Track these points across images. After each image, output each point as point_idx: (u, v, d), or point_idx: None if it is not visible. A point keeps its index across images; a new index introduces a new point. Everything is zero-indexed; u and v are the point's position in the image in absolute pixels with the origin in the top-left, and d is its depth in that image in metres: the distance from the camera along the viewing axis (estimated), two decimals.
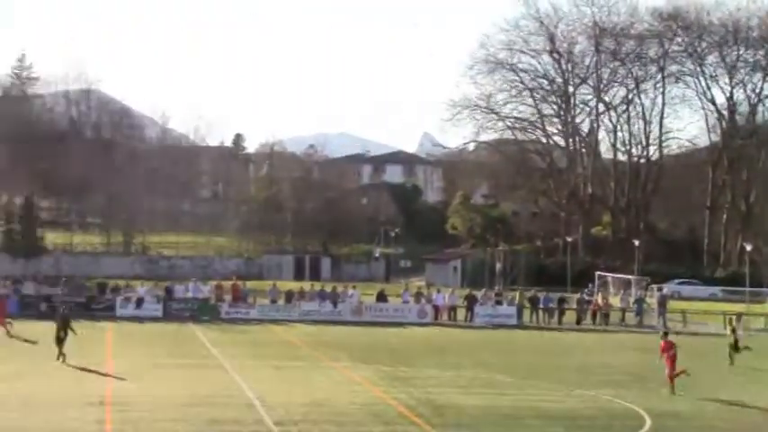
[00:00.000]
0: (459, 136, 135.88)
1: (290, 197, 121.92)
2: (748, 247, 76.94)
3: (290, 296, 58.97)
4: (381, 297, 60.05)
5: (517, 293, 63.20)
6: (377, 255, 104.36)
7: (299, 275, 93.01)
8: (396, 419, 25.99)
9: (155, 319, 53.57)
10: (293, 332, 49.78)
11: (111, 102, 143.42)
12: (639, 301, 63.53)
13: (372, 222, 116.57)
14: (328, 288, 60.98)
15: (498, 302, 60.09)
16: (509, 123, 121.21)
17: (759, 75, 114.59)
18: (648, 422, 26.59)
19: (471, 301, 59.01)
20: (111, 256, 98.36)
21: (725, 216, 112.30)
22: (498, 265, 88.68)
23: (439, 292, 61.81)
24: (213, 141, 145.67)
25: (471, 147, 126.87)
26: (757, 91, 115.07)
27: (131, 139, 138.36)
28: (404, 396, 29.53)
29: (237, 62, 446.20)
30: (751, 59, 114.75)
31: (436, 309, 58.79)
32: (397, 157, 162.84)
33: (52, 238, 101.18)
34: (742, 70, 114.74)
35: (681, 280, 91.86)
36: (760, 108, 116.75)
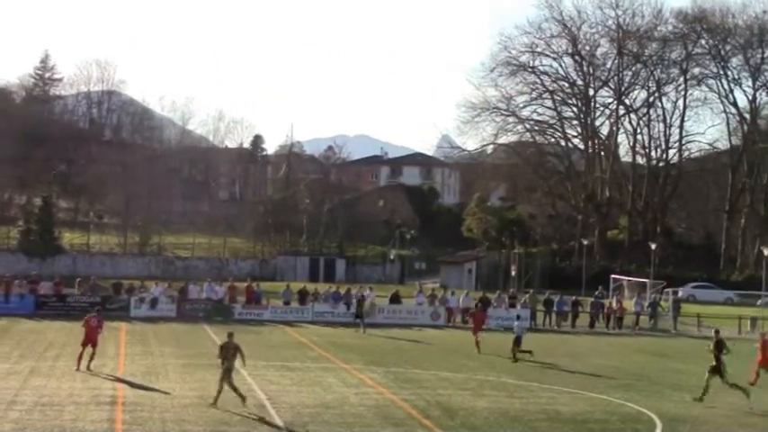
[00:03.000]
0: (477, 138, 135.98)
1: (307, 199, 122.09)
2: (766, 252, 76.48)
3: (303, 297, 59.06)
4: (395, 299, 60.03)
5: (527, 296, 63.08)
6: (392, 256, 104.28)
7: (313, 277, 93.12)
8: (406, 421, 26.04)
9: (168, 320, 53.74)
10: (306, 333, 49.84)
11: (131, 103, 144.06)
12: (654, 304, 63.45)
13: (388, 224, 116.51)
14: (342, 290, 60.98)
15: (512, 305, 60.01)
16: (528, 126, 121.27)
17: None
18: (659, 426, 26.54)
19: (485, 304, 58.92)
20: (127, 256, 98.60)
21: (743, 220, 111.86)
22: (513, 268, 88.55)
23: (453, 294, 61.76)
24: (233, 143, 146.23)
25: (490, 149, 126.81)
26: None
27: (150, 141, 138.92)
28: (414, 398, 29.56)
29: (259, 65, 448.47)
30: None
31: (449, 311, 58.78)
32: (415, 160, 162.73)
33: (69, 238, 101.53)
34: (766, 73, 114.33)
35: (696, 284, 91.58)
36: None
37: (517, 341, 40.65)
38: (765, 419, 28.86)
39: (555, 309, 60.25)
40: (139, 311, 55.39)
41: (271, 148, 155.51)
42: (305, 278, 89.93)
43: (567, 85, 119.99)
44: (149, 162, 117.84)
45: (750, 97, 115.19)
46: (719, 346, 31.44)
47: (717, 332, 32.85)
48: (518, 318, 45.94)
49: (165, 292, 58.15)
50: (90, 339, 33.08)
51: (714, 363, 31.09)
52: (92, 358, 33.05)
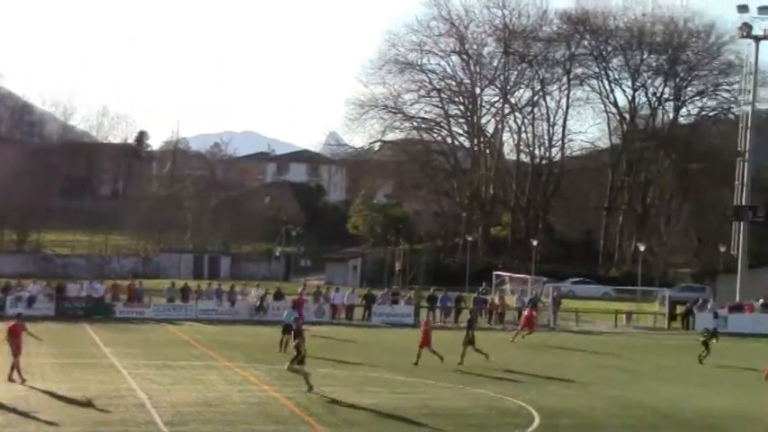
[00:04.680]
0: (364, 135, 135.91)
1: (192, 195, 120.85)
2: (642, 248, 78.64)
3: (186, 295, 58.44)
4: (279, 295, 59.83)
5: (413, 293, 63.56)
6: (277, 253, 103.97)
7: (197, 274, 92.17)
8: (288, 419, 25.96)
9: (47, 318, 52.56)
10: (189, 331, 49.37)
11: (10, 97, 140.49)
12: (534, 300, 64.44)
13: (274, 221, 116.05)
14: (226, 287, 60.54)
15: (395, 302, 60.34)
16: (415, 123, 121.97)
17: (660, 79, 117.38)
18: (537, 420, 26.93)
19: (369, 301, 59.21)
20: (3, 254, 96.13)
21: (621, 217, 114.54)
22: (398, 265, 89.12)
23: (338, 290, 61.87)
24: (116, 139, 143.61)
25: (376, 147, 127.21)
26: (658, 95, 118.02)
27: (30, 136, 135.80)
28: (297, 395, 29.48)
29: (145, 60, 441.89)
30: (654, 64, 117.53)
31: (334, 308, 58.87)
32: (302, 156, 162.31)
33: None
34: (644, 74, 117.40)
35: (576, 279, 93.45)
36: (660, 111, 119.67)
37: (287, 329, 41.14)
38: (646, 411, 29.55)
39: (439, 305, 60.79)
40: (16, 310, 54.03)
41: (156, 144, 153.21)
42: (189, 276, 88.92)
43: (453, 83, 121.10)
44: (28, 157, 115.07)
45: (629, 97, 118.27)
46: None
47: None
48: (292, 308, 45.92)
49: (42, 290, 56.93)
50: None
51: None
52: None
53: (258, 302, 57.09)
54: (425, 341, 37.79)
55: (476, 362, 38.71)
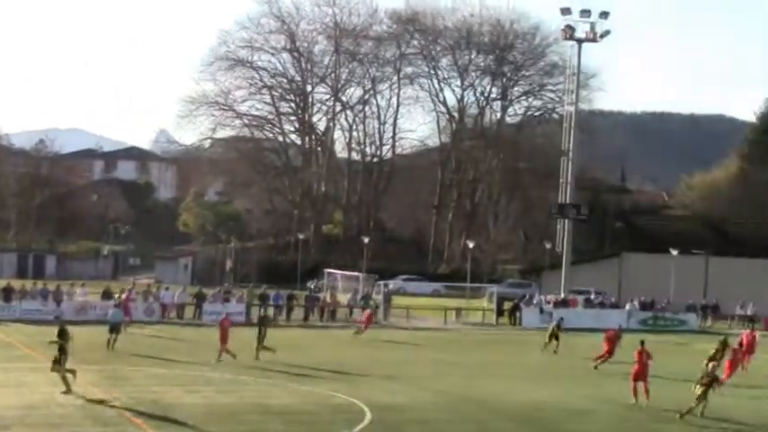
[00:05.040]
0: (195, 133, 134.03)
1: (16, 193, 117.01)
2: (471, 245, 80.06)
3: (8, 295, 56.47)
4: (107, 295, 58.49)
5: (246, 291, 63.21)
6: (105, 252, 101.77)
7: (21, 273, 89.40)
8: (115, 420, 25.42)
9: None
10: (12, 332, 47.71)
11: None
12: (366, 297, 65.02)
13: (102, 219, 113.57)
14: (52, 286, 58.84)
15: (227, 300, 59.87)
16: (246, 121, 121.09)
17: (488, 79, 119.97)
18: (369, 415, 27.09)
19: (200, 299, 58.56)
20: None
21: (450, 215, 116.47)
22: (229, 263, 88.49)
23: (167, 289, 60.92)
24: None
25: (207, 144, 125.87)
26: (486, 94, 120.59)
27: None
28: (124, 396, 28.89)
29: None
30: (481, 64, 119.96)
31: (164, 307, 57.97)
32: (131, 154, 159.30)
33: None
34: (473, 74, 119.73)
35: (406, 276, 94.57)
36: (488, 111, 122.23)
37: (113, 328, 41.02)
38: (470, 404, 30.07)
39: (271, 303, 60.62)
40: None
41: None
42: (12, 275, 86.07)
43: (285, 80, 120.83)
44: None
45: (458, 97, 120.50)
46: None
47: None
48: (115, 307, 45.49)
49: None
50: None
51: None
52: None
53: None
54: (224, 337, 38.04)
55: (309, 360, 38.75)
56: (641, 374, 31.11)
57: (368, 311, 54.51)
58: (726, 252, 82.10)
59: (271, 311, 56.46)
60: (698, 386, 28.68)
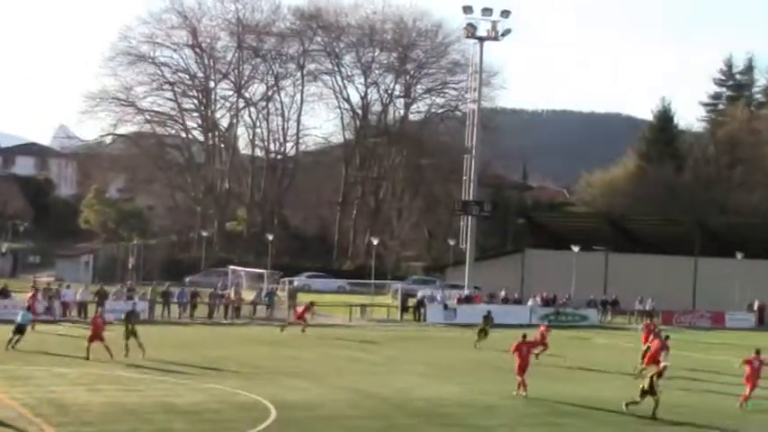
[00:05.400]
0: (96, 128, 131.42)
1: None
2: (375, 242, 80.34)
3: None
4: (5, 293, 57.34)
5: (150, 288, 62.56)
6: (3, 250, 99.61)
7: None
8: (15, 420, 24.85)
9: None
10: None
11: None
12: (270, 294, 64.86)
13: (0, 216, 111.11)
14: None
15: (130, 297, 59.17)
16: (148, 117, 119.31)
17: (391, 76, 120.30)
18: (274, 413, 27.06)
19: (102, 297, 57.77)
20: None
21: (355, 212, 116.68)
22: (131, 260, 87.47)
23: (69, 287, 59.98)
24: None
25: (108, 140, 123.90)
26: (389, 92, 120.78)
27: None
28: (24, 396, 28.40)
29: None
30: (385, 61, 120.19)
31: (65, 305, 57.05)
32: (29, 149, 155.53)
33: None
34: (376, 71, 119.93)
35: (311, 273, 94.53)
36: (391, 108, 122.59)
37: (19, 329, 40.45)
38: (376, 400, 30.21)
39: (175, 300, 60.16)
40: None
41: None
42: None
43: (187, 76, 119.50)
44: None
45: (362, 94, 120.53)
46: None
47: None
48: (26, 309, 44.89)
49: None
50: None
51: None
52: None
53: None
54: (94, 336, 38.02)
55: (213, 357, 38.53)
56: (524, 368, 31.88)
57: (304, 304, 54.59)
58: (625, 248, 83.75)
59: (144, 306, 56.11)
60: (645, 380, 29.40)
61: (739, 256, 74.13)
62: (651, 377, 29.14)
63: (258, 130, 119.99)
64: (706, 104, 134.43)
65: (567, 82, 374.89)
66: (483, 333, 48.16)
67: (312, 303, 56.22)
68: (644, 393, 28.79)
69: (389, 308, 67.55)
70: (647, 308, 70.85)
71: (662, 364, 31.18)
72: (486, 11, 74.11)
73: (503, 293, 72.15)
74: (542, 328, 42.96)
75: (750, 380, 31.59)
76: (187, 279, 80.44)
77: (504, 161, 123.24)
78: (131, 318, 40.80)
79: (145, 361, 36.89)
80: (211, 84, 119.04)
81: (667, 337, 39.70)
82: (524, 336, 33.14)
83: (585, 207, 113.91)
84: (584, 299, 70.58)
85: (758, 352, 32.42)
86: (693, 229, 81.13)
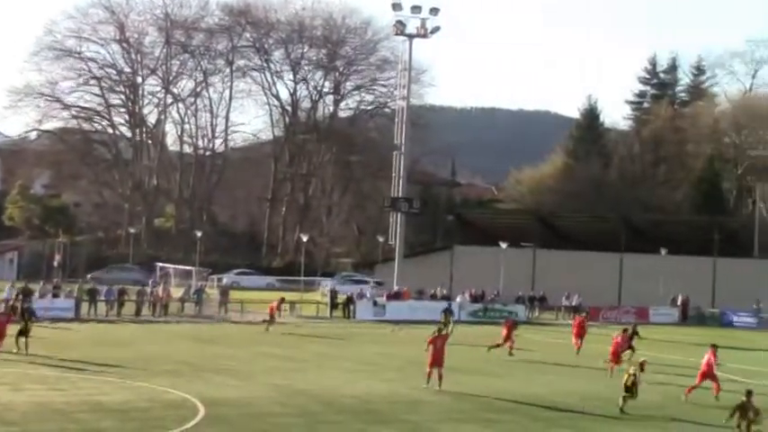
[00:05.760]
0: (20, 124, 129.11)
1: None
2: (305, 238, 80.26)
3: None
4: None
5: (76, 286, 61.82)
6: None
7: None
8: None
9: None
10: None
11: None
12: (199, 291, 64.48)
13: None
14: None
15: (56, 295, 58.40)
16: (74, 112, 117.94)
17: (321, 73, 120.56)
18: (202, 411, 26.90)
19: (26, 295, 56.87)
20: None
21: (284, 208, 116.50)
22: (57, 257, 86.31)
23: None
24: None
25: (33, 135, 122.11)
26: (319, 88, 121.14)
27: None
28: None
29: None
30: (314, 58, 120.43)
31: None
32: None
33: None
34: (305, 68, 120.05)
35: (240, 270, 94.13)
36: (321, 105, 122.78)
37: None
38: (302, 396, 30.19)
39: (102, 298, 59.53)
40: None
41: None
42: None
43: (114, 72, 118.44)
44: None
45: (291, 90, 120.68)
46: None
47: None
48: None
49: None
50: None
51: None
52: None
53: None
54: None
55: (141, 355, 38.17)
56: (437, 361, 32.38)
57: (276, 301, 55.28)
58: (553, 245, 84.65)
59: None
60: (628, 376, 29.75)
61: (663, 252, 75.27)
62: (634, 373, 29.62)
63: (187, 127, 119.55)
64: (631, 103, 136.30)
65: (495, 80, 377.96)
66: (445, 327, 48.72)
67: (283, 299, 57.13)
68: (628, 389, 29.29)
69: (319, 305, 67.48)
70: (574, 303, 71.65)
71: (642, 359, 31.82)
72: (416, 8, 74.39)
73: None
74: (507, 325, 44.52)
75: (705, 375, 32.30)
76: (89, 276, 79.33)
77: (434, 158, 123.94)
78: (24, 315, 40.39)
79: (72, 360, 36.44)
80: (139, 79, 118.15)
81: (626, 329, 41.40)
82: (439, 329, 33.75)
83: (514, 204, 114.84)
84: (512, 295, 71.18)
85: (714, 347, 33.08)
86: (619, 226, 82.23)
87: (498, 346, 43.29)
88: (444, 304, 61.76)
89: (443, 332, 33.57)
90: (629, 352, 40.05)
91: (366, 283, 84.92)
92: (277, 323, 53.80)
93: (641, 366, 30.10)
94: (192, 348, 43.22)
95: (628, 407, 29.16)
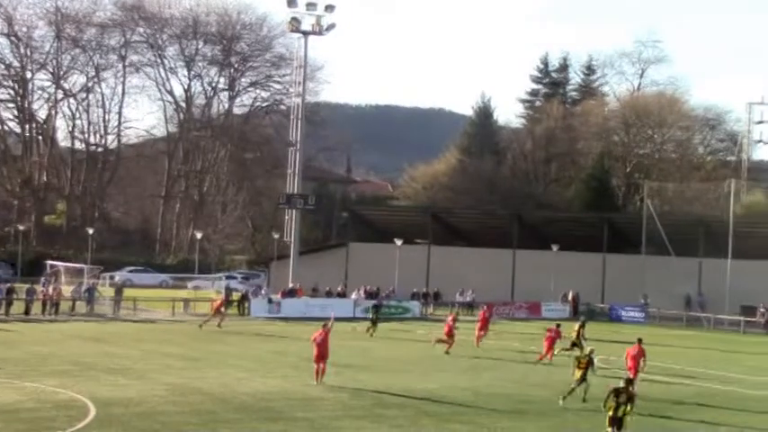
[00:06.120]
0: None
1: None
2: (199, 235, 79.68)
3: None
4: None
5: None
6: None
7: None
8: None
9: None
10: None
11: None
12: (91, 290, 63.51)
13: None
14: None
15: None
16: None
17: (215, 69, 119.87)
18: (93, 411, 26.55)
19: None
20: None
21: (178, 205, 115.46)
22: None
23: None
24: None
25: None
26: (213, 84, 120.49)
27: None
28: None
29: None
30: (209, 54, 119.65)
31: None
32: None
33: None
34: (200, 64, 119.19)
35: (133, 268, 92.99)
36: (215, 101, 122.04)
37: None
38: (198, 396, 30.00)
39: None
40: None
41: None
42: None
43: (2, 66, 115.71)
44: None
45: (185, 86, 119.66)
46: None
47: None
48: None
49: None
50: None
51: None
52: None
53: None
54: None
55: (30, 355, 37.50)
56: (321, 357, 32.95)
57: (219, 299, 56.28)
58: (447, 241, 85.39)
59: None
60: (576, 369, 30.47)
61: (555, 248, 76.48)
62: (582, 366, 30.50)
63: (78, 122, 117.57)
64: (524, 101, 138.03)
65: (391, 77, 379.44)
66: (373, 324, 51.97)
67: (228, 295, 58.69)
68: (580, 381, 30.06)
69: (213, 302, 66.89)
70: (468, 299, 72.38)
71: (590, 348, 33.18)
72: (311, 5, 74.29)
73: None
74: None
75: (633, 369, 33.37)
76: None
77: (329, 155, 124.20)
78: None
79: None
80: (28, 74, 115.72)
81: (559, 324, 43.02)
82: (324, 324, 33.83)
83: (408, 201, 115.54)
84: (407, 291, 71.60)
85: (640, 341, 34.21)
86: (512, 223, 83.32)
87: (445, 341, 44.51)
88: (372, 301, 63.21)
89: (326, 326, 33.72)
90: (577, 349, 40.34)
91: (257, 277, 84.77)
92: (166, 321, 53.37)
93: (589, 358, 31.09)
94: (84, 347, 42.56)
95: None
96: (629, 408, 24.09)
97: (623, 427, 23.94)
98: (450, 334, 44.49)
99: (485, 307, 52.25)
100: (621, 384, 24.53)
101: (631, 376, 30.61)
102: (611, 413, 23.88)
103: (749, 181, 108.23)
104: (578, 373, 30.39)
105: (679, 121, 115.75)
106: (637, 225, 78.97)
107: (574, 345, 41.86)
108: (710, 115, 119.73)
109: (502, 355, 44.00)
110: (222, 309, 55.83)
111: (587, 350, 33.02)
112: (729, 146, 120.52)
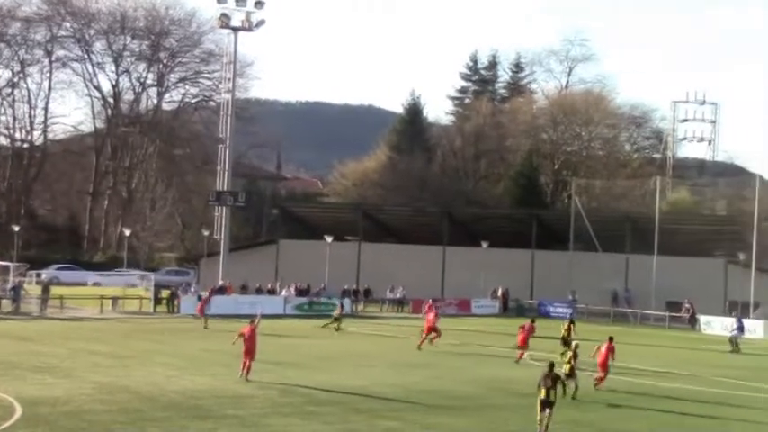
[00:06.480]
0: None
1: None
2: (127, 232, 79.00)
3: None
4: None
5: None
6: None
7: None
8: None
9: None
10: None
11: None
12: (16, 288, 62.62)
13: None
14: None
15: None
16: None
17: (144, 64, 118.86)
18: (19, 410, 26.24)
19: None
20: None
21: (106, 202, 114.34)
22: None
23: None
24: None
25: None
26: (142, 80, 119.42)
27: None
28: None
29: None
30: (137, 49, 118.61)
31: None
32: None
33: None
34: (128, 59, 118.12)
35: (60, 265, 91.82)
36: (144, 97, 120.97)
37: None
38: (126, 394, 29.80)
39: None
40: None
41: None
42: None
43: None
44: None
45: (113, 82, 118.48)
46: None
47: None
48: None
49: None
50: None
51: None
52: None
53: None
54: None
55: None
56: (248, 352, 33.31)
57: (201, 300, 57.20)
58: (377, 238, 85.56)
59: None
60: (565, 365, 30.81)
61: (484, 245, 77.01)
62: (570, 361, 31.03)
63: (3, 118, 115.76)
64: (453, 98, 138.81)
65: (320, 74, 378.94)
66: (337, 321, 53.51)
67: (210, 293, 59.66)
68: (568, 377, 30.14)
69: (142, 300, 66.45)
70: (398, 296, 72.64)
71: (574, 343, 33.68)
72: (240, 1, 73.93)
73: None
74: (431, 313, 46.93)
75: (603, 366, 33.79)
76: None
77: (259, 152, 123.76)
78: None
79: None
80: None
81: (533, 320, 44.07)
82: (252, 321, 34.09)
83: (338, 198, 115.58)
84: (337, 288, 71.67)
85: (611, 339, 34.63)
86: (442, 220, 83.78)
87: (424, 339, 45.28)
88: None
89: (254, 322, 33.84)
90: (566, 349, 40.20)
91: (186, 274, 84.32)
92: (94, 319, 52.83)
93: (575, 352, 31.69)
94: (9, 346, 41.97)
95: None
96: (559, 390, 25.33)
97: (552, 405, 24.80)
98: (433, 328, 45.29)
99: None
100: (547, 370, 25.26)
101: (600, 373, 33.31)
102: (542, 396, 24.62)
103: (674, 178, 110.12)
104: (566, 368, 30.74)
105: (606, 118, 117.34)
106: (565, 222, 79.83)
107: (566, 343, 41.83)
108: (637, 113, 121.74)
109: (432, 352, 44.27)
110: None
111: (572, 345, 33.46)
112: (655, 143, 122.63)
